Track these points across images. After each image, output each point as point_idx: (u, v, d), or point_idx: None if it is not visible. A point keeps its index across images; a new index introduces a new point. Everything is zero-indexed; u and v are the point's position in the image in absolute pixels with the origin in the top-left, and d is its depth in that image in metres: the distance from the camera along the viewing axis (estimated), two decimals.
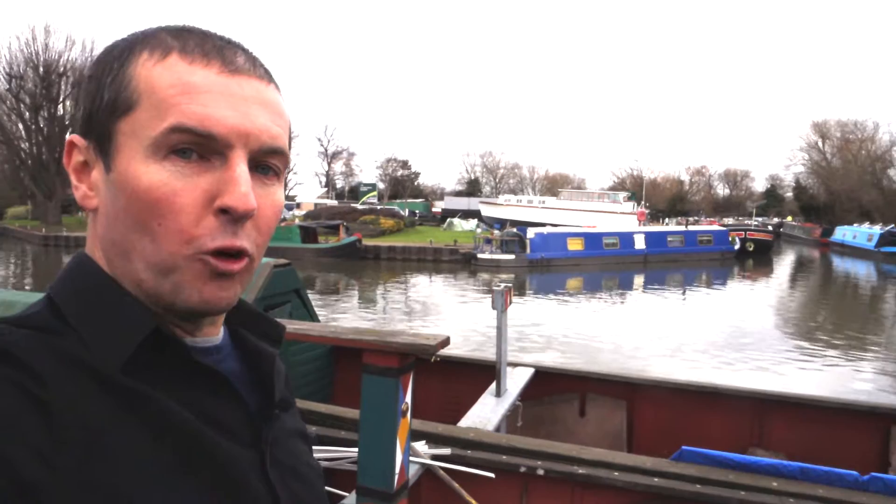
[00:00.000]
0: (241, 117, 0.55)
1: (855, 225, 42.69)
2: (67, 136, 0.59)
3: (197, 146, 0.53)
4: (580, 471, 2.88)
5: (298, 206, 52.40)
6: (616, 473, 2.85)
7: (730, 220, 58.27)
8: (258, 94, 0.57)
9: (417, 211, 51.65)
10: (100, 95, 0.56)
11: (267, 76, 0.60)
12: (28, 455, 0.45)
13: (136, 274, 0.55)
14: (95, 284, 0.57)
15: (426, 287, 21.81)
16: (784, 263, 34.46)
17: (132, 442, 0.50)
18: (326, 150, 75.77)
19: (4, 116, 44.20)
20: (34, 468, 0.44)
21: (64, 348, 0.52)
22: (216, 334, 0.64)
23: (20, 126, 45.40)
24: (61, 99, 44.05)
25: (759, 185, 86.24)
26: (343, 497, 2.68)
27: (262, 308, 4.16)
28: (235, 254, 0.55)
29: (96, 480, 0.47)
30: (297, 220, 35.34)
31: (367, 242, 30.01)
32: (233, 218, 0.54)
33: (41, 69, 43.63)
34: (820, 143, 63.82)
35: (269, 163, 0.58)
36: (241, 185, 0.53)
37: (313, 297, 17.28)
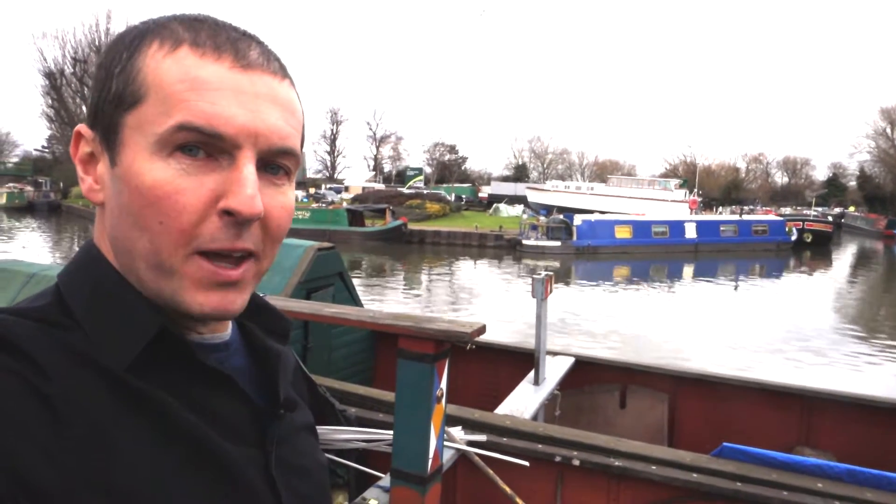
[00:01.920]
0: (251, 116, 0.53)
1: None
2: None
3: (204, 144, 0.52)
4: (617, 463, 2.85)
5: (346, 189, 53.07)
6: (654, 467, 2.81)
7: (787, 210, 56.08)
8: (270, 90, 0.55)
9: (464, 196, 51.58)
10: (107, 86, 0.54)
11: (281, 71, 0.57)
12: (31, 449, 0.44)
13: (138, 272, 0.54)
14: (104, 279, 0.56)
15: (470, 272, 21.83)
16: (844, 256, 33.04)
17: (136, 441, 0.49)
18: (375, 134, 76.37)
19: (69, 99, 46.20)
20: (37, 463, 0.44)
21: (70, 343, 0.51)
22: (224, 330, 0.63)
23: (83, 108, 47.39)
24: None
25: (820, 174, 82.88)
26: (379, 478, 2.73)
27: (304, 291, 4.25)
28: (239, 257, 0.54)
29: (100, 478, 0.46)
30: (344, 204, 35.80)
31: (413, 226, 30.18)
32: (237, 221, 0.52)
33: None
34: (888, 130, 60.67)
35: (279, 162, 0.56)
36: (248, 188, 0.51)
37: (358, 280, 17.57)
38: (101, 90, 0.55)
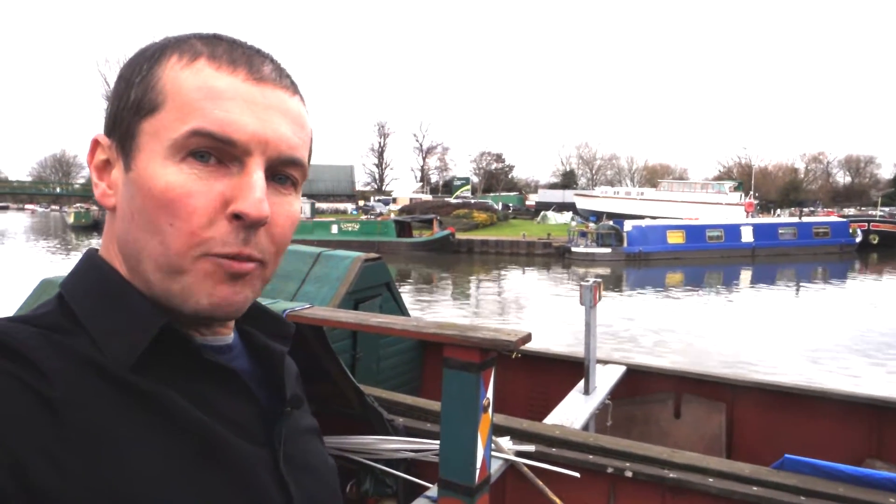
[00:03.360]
0: (262, 125, 0.55)
1: None
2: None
3: (216, 151, 0.54)
4: (671, 475, 2.76)
5: (394, 200, 53.65)
6: (710, 479, 2.71)
7: (851, 211, 53.57)
8: (281, 103, 0.57)
9: (511, 204, 51.43)
10: (127, 95, 0.56)
11: (292, 87, 0.60)
12: (35, 453, 0.45)
13: (146, 274, 0.55)
14: (106, 283, 0.57)
15: (518, 281, 21.68)
16: None
17: (143, 440, 0.50)
18: (421, 146, 77.21)
19: None
20: (42, 467, 0.45)
21: (73, 347, 0.52)
22: (228, 333, 0.64)
23: None
24: None
25: (886, 172, 78.88)
26: (427, 488, 2.72)
27: (352, 302, 4.30)
28: (245, 260, 0.55)
29: (105, 479, 0.47)
30: (392, 215, 36.20)
31: (460, 236, 30.28)
32: (245, 224, 0.54)
33: None
34: None
35: (286, 172, 0.58)
36: (256, 192, 0.53)
37: (407, 290, 17.70)
38: (120, 99, 0.57)
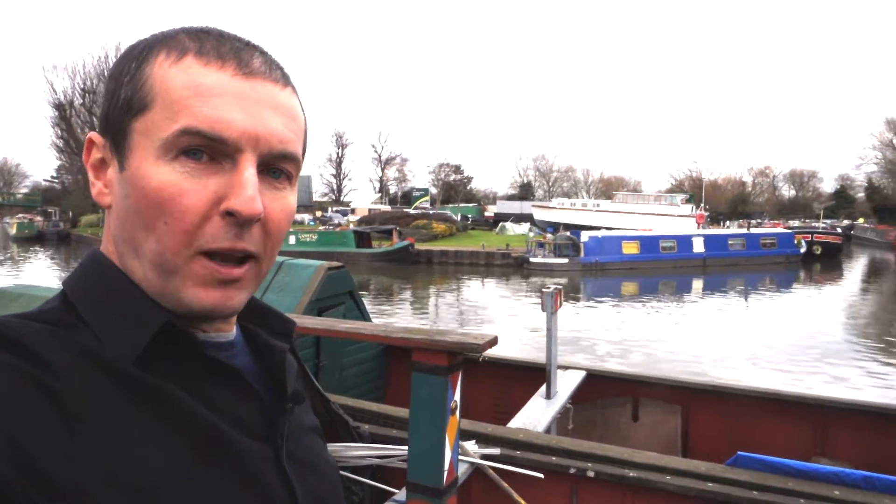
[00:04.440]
0: (252, 121, 0.55)
1: None
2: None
3: (207, 148, 0.54)
4: (631, 474, 2.85)
5: (353, 211, 53.32)
6: (668, 477, 2.81)
7: (796, 223, 55.80)
8: (272, 97, 0.57)
9: (470, 215, 51.72)
10: (117, 94, 0.56)
11: (283, 79, 0.59)
12: (43, 446, 0.45)
13: (142, 273, 0.56)
14: (109, 280, 0.57)
15: (478, 291, 21.82)
16: (855, 268, 32.79)
17: (146, 433, 0.50)
18: (380, 156, 76.99)
19: (78, 129, 46.84)
20: (50, 459, 0.45)
21: (77, 342, 0.52)
22: (230, 330, 0.64)
23: None
24: None
25: (828, 186, 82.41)
26: (393, 493, 2.73)
27: (315, 310, 4.28)
28: (240, 258, 0.55)
29: (110, 471, 0.47)
30: (351, 226, 35.97)
31: (420, 247, 30.28)
32: (238, 221, 0.54)
33: None
34: (894, 141, 60.49)
35: (280, 167, 0.58)
36: (248, 189, 0.53)
37: (367, 301, 17.56)
38: (111, 98, 0.57)
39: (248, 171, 0.54)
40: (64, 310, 0.55)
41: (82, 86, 45.85)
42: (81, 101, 45.97)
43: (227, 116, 0.53)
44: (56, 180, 65.61)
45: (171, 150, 0.53)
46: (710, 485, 2.73)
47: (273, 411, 0.62)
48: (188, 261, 0.54)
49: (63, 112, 45.66)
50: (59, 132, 46.50)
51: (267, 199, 0.56)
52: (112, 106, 0.57)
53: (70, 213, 54.87)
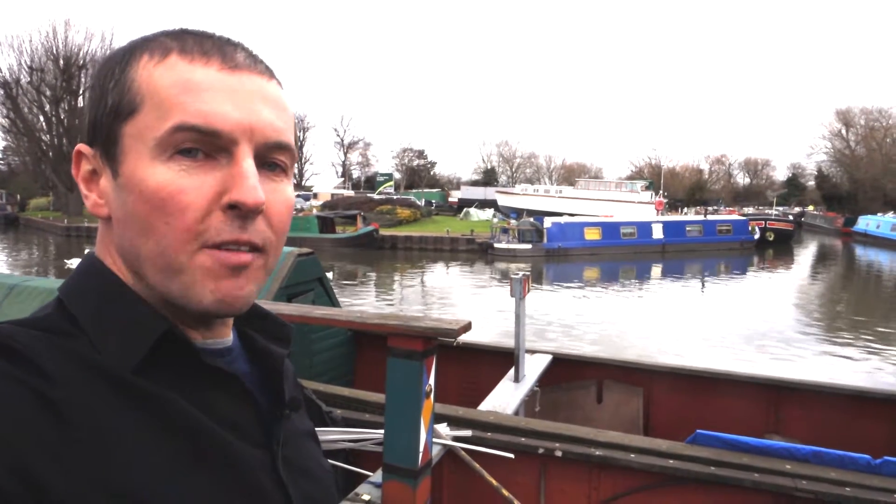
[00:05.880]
0: (245, 112, 0.54)
1: (879, 214, 41.91)
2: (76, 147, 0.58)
3: (202, 144, 0.53)
4: (597, 452, 2.96)
5: (315, 196, 52.62)
6: (632, 455, 2.93)
7: (750, 210, 57.45)
8: (260, 89, 0.57)
9: (434, 201, 51.60)
10: (103, 101, 0.56)
11: (268, 72, 0.59)
12: (40, 454, 0.45)
13: (147, 278, 0.55)
14: (106, 287, 0.57)
15: (443, 276, 21.91)
16: (805, 253, 34.02)
17: (143, 441, 0.50)
18: (343, 141, 76.21)
19: (26, 109, 44.92)
20: (46, 467, 0.45)
21: (74, 350, 0.52)
22: (227, 336, 0.64)
23: (41, 118, 46.08)
24: (81, 91, 44.49)
25: (781, 174, 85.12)
26: (367, 476, 2.79)
27: (285, 296, 4.28)
28: (245, 248, 0.55)
29: (109, 479, 0.47)
30: (314, 211, 35.57)
31: (384, 232, 30.15)
32: (242, 213, 0.53)
33: (61, 62, 44.28)
34: (843, 131, 62.59)
35: (275, 159, 0.58)
36: (249, 179, 0.53)
37: (332, 287, 17.46)
38: (97, 106, 0.56)
39: (247, 161, 0.54)
40: (60, 317, 0.55)
41: (29, 63, 43.86)
42: (29, 79, 44.02)
43: (220, 109, 0.53)
44: (2, 161, 62.94)
45: (166, 149, 0.52)
46: (672, 461, 2.87)
47: (270, 417, 0.62)
48: (192, 256, 0.53)
49: (9, 91, 43.62)
50: (6, 111, 44.59)
51: (267, 193, 0.55)
52: (98, 114, 0.56)
53: (18, 196, 52.79)
